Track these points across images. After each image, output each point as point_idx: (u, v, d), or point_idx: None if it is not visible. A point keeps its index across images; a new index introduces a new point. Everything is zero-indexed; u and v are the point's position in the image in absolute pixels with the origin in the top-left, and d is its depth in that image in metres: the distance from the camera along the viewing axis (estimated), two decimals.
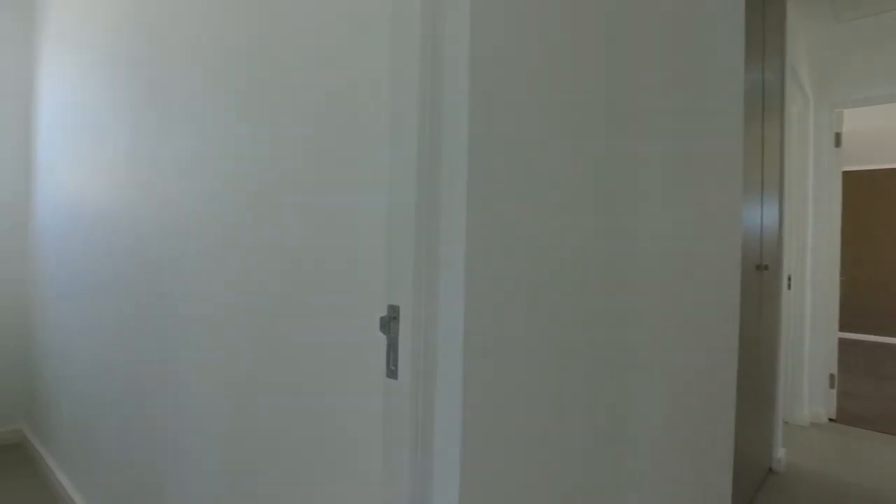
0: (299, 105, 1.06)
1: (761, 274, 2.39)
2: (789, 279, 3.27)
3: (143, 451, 1.65)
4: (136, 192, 1.75)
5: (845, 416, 3.67)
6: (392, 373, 0.74)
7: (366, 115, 0.91)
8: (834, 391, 3.63)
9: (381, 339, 0.81)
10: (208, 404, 1.33)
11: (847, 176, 7.14)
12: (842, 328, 7.13)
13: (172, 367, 1.50)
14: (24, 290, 2.97)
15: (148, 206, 1.67)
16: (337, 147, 0.97)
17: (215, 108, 1.34)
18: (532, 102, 0.77)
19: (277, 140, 1.11)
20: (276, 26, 1.13)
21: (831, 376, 3.60)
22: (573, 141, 0.85)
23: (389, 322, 0.74)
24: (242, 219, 1.21)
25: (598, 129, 0.91)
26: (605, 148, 0.93)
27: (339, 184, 0.96)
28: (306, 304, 1.02)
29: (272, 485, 1.10)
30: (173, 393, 1.49)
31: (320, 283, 0.99)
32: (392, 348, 0.74)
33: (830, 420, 3.60)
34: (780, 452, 2.79)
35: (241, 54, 1.24)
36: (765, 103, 2.48)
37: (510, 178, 0.74)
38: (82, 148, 2.26)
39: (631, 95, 1.00)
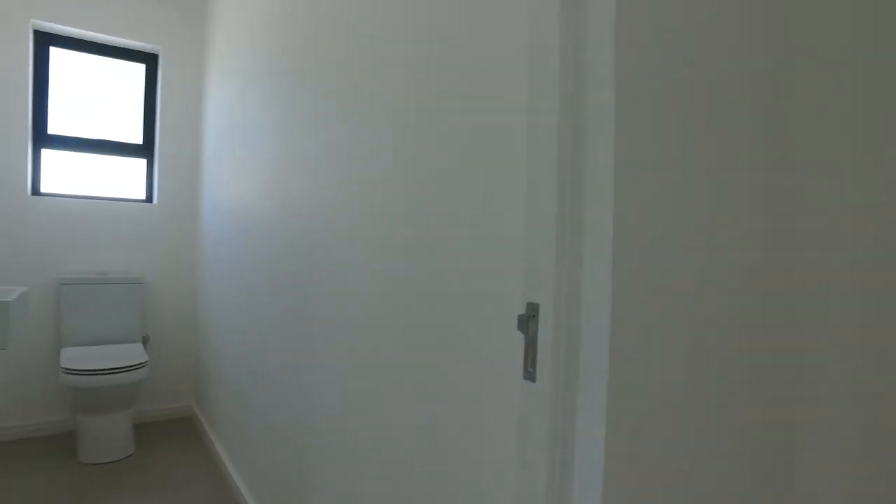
0: (435, 105, 1.04)
1: None
2: None
3: (288, 431, 1.76)
4: (282, 190, 1.87)
5: None
6: (529, 374, 0.69)
7: (503, 106, 0.86)
8: None
9: (519, 338, 0.76)
10: (349, 392, 1.37)
11: None
12: None
13: (317, 355, 1.57)
14: (194, 284, 3.33)
15: (293, 204, 1.77)
16: (472, 136, 0.94)
17: (354, 112, 1.37)
18: (691, 75, 0.68)
19: (416, 138, 1.11)
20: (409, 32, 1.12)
21: None
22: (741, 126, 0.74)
23: (528, 321, 0.69)
24: (383, 211, 1.23)
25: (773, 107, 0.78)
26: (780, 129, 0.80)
27: (476, 175, 0.93)
28: (444, 300, 1.00)
29: (412, 475, 1.10)
30: (317, 381, 1.56)
31: (458, 276, 0.96)
32: (530, 348, 0.69)
33: None
34: None
35: (375, 59, 1.26)
36: None
37: (666, 161, 0.66)
38: (238, 156, 2.47)
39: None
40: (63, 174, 3.10)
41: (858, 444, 0.84)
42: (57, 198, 3.01)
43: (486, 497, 0.88)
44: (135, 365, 2.59)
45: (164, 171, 3.26)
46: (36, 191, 3.00)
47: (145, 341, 3.11)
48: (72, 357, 2.64)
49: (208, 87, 3.15)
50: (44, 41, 3.00)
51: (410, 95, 1.12)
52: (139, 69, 3.26)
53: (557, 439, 0.66)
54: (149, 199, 3.30)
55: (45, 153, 3.04)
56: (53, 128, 3.05)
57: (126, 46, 3.19)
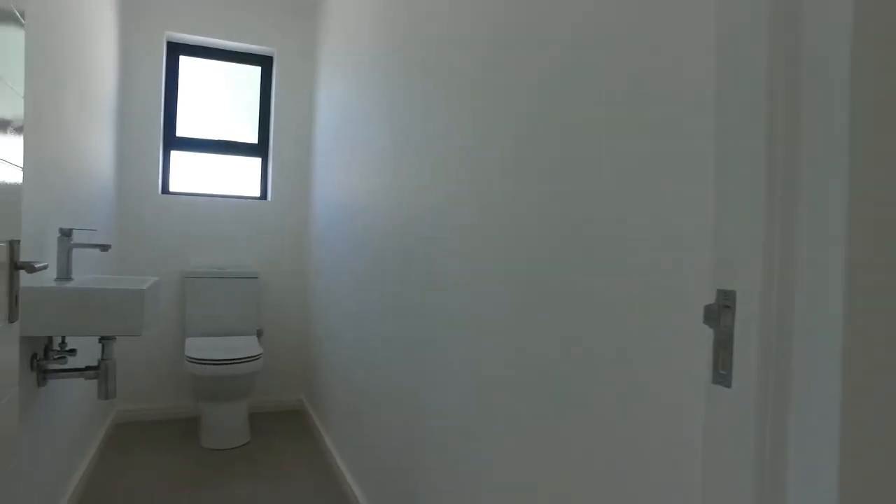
0: (574, 88, 0.93)
1: None
2: None
3: (398, 432, 1.70)
4: (396, 186, 1.82)
5: None
6: (721, 378, 0.56)
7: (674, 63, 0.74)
8: None
9: (704, 334, 0.63)
10: (471, 394, 1.29)
11: None
12: None
13: (437, 362, 1.51)
14: (304, 280, 3.41)
15: (408, 200, 1.72)
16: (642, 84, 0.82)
17: (478, 102, 1.29)
18: None
19: (549, 127, 1.00)
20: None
21: None
22: None
23: (719, 311, 0.57)
24: (514, 210, 1.13)
25: None
26: None
27: (646, 131, 0.81)
28: (605, 290, 0.89)
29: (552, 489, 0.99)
30: (431, 382, 1.50)
31: (622, 262, 0.85)
32: (722, 346, 0.56)
33: None
34: None
35: (502, 54, 1.16)
36: None
37: None
38: (349, 153, 2.47)
39: None
40: (187, 174, 3.29)
41: None
42: (183, 196, 3.19)
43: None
44: (251, 357, 2.68)
45: (277, 170, 3.37)
46: (165, 189, 3.21)
47: (259, 334, 3.23)
48: (195, 347, 2.77)
49: (320, 87, 3.21)
50: (174, 51, 3.20)
51: (544, 79, 1.02)
52: (255, 72, 3.39)
53: (762, 461, 0.53)
54: (263, 196, 3.42)
55: (174, 154, 3.24)
56: (181, 131, 3.24)
57: (243, 51, 3.33)
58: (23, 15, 1.11)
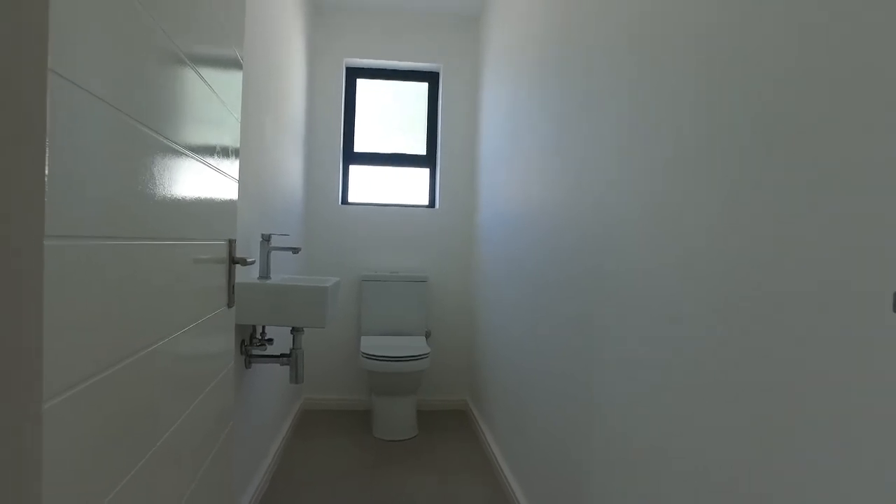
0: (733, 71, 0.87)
1: None
2: None
3: (564, 435, 1.69)
4: (559, 188, 1.83)
5: None
6: None
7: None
8: None
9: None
10: (636, 401, 1.25)
11: None
12: None
13: (604, 363, 1.48)
14: (470, 284, 3.54)
15: (570, 202, 1.72)
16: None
17: (652, 98, 1.25)
18: None
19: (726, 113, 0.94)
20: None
21: None
22: None
23: None
24: (655, 188, 1.09)
25: None
26: None
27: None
28: (782, 286, 0.82)
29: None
30: (598, 384, 1.47)
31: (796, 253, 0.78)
32: None
33: None
34: None
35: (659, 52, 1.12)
36: None
37: None
38: (511, 159, 2.52)
39: None
40: (363, 185, 3.60)
41: None
42: (359, 206, 3.50)
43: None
44: (419, 355, 2.84)
45: (444, 179, 3.54)
46: (344, 200, 3.54)
47: (427, 335, 3.40)
48: (369, 344, 3.01)
49: (483, 98, 3.32)
50: (352, 74, 3.54)
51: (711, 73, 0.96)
52: (423, 87, 3.61)
53: None
54: (431, 204, 3.62)
55: (352, 168, 3.56)
56: (358, 146, 3.56)
57: (411, 69, 3.57)
58: (242, 59, 1.33)
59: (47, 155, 0.50)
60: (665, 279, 1.11)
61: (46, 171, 0.50)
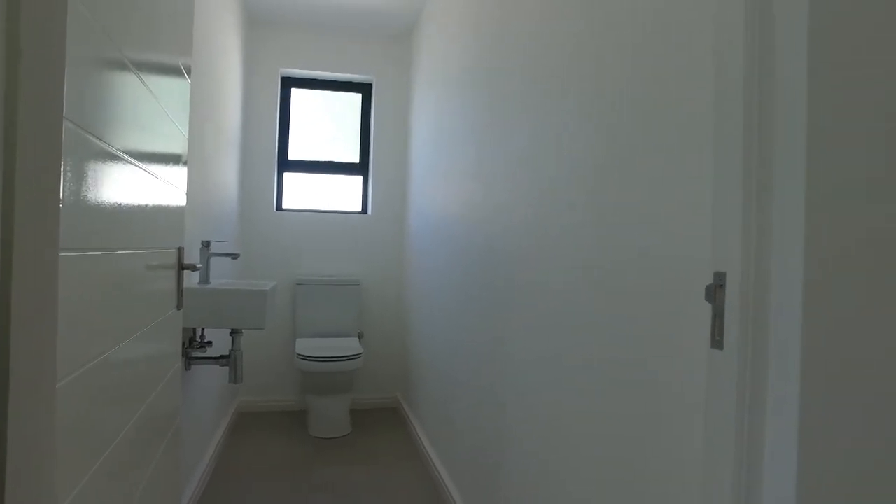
0: (625, 109, 1.10)
1: None
2: None
3: (485, 425, 1.90)
4: (481, 196, 2.04)
5: None
6: (717, 343, 0.72)
7: (688, 102, 0.90)
8: None
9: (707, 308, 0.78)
10: (542, 384, 1.46)
11: None
12: None
13: (510, 361, 1.69)
14: (401, 287, 3.71)
15: (491, 211, 1.93)
16: (658, 115, 0.98)
17: (547, 116, 1.48)
18: None
19: (606, 136, 1.17)
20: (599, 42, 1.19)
21: None
22: None
23: (715, 290, 0.72)
24: (573, 203, 1.31)
25: None
26: None
27: (665, 158, 0.97)
28: (634, 282, 1.05)
29: (594, 457, 1.15)
30: (511, 374, 1.68)
31: (646, 258, 1.01)
32: (718, 317, 0.72)
33: None
34: None
35: (566, 78, 1.35)
36: None
37: (868, 119, 0.64)
38: (440, 169, 2.73)
39: None
40: (298, 192, 3.71)
41: None
42: (293, 212, 3.60)
43: (682, 462, 0.90)
44: (352, 355, 2.98)
45: (377, 186, 3.70)
46: (279, 207, 3.63)
47: (360, 336, 3.55)
48: (304, 346, 3.12)
49: (414, 111, 3.52)
50: (287, 84, 3.64)
51: (603, 102, 1.19)
52: (356, 98, 3.76)
53: (745, 407, 0.68)
54: (364, 210, 3.77)
55: (286, 175, 3.66)
56: (292, 154, 3.67)
57: (346, 80, 3.71)
58: (189, 71, 1.45)
59: None
60: (557, 282, 1.34)
61: None
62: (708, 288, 0.73)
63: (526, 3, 1.64)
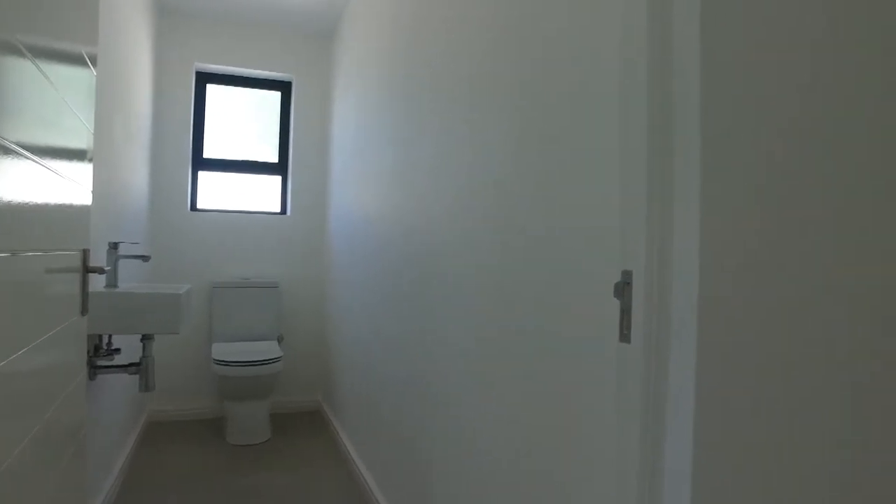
0: (538, 113, 1.15)
1: None
2: None
3: (408, 425, 1.91)
4: (401, 196, 2.05)
5: None
6: (625, 337, 0.77)
7: (598, 110, 0.95)
8: None
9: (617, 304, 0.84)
10: (461, 382, 1.50)
11: None
12: None
13: (432, 356, 1.72)
14: (322, 289, 3.66)
15: (410, 211, 1.95)
16: (570, 123, 1.03)
17: (458, 128, 1.51)
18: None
19: (517, 138, 1.22)
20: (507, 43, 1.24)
21: None
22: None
23: (623, 287, 0.77)
24: (488, 206, 1.35)
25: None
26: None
27: (576, 161, 1.02)
28: (547, 280, 1.10)
29: (513, 449, 1.19)
30: (432, 370, 1.71)
31: (559, 257, 1.06)
32: (626, 313, 0.77)
33: None
34: None
35: (484, 84, 1.39)
36: None
37: (754, 138, 0.72)
38: (360, 169, 2.72)
39: None
40: (214, 192, 3.57)
41: None
42: (209, 212, 3.46)
43: (596, 450, 0.96)
44: (272, 359, 2.91)
45: (296, 187, 3.63)
46: (193, 207, 3.48)
47: (280, 340, 3.46)
48: (221, 351, 3.01)
49: (335, 109, 3.47)
50: (202, 80, 3.49)
51: (515, 106, 1.24)
52: (276, 96, 3.67)
53: (650, 395, 0.74)
54: (283, 211, 3.68)
55: (201, 174, 3.51)
56: (207, 152, 3.52)
57: (264, 77, 3.61)
58: (94, 61, 1.36)
59: None
60: (476, 280, 1.38)
61: None
62: (617, 285, 0.79)
63: (438, 10, 1.67)
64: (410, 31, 2.00)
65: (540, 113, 1.14)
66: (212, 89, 3.54)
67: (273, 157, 3.68)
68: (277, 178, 3.69)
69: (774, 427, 0.73)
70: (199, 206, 3.52)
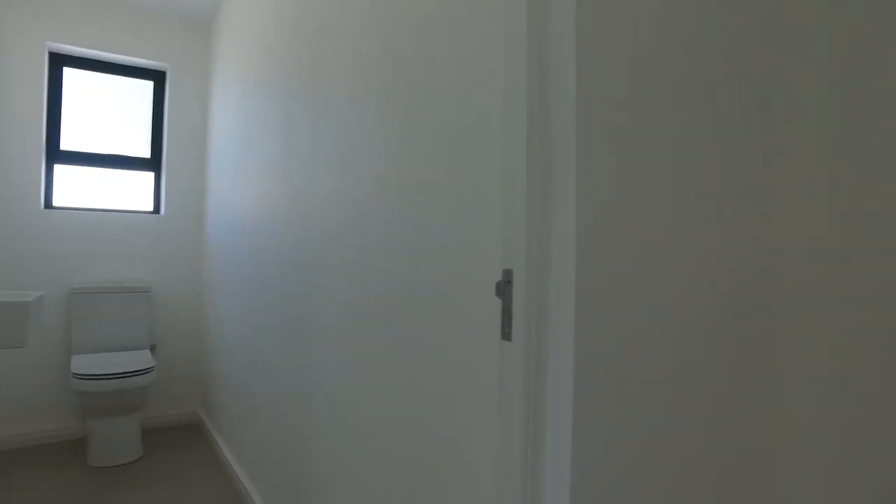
0: (421, 114, 1.14)
1: None
2: None
3: (290, 433, 1.84)
4: (280, 190, 1.97)
5: None
6: (506, 335, 0.78)
7: (480, 108, 0.96)
8: None
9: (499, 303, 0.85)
10: (341, 382, 1.46)
11: None
12: None
13: (315, 351, 1.66)
14: (200, 292, 3.42)
15: (289, 208, 1.87)
16: (457, 127, 1.03)
17: (345, 122, 1.48)
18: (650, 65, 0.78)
19: (403, 139, 1.21)
20: (398, 48, 1.23)
21: None
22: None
23: (504, 286, 0.78)
24: (369, 200, 1.33)
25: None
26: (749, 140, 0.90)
27: (460, 163, 1.02)
28: (432, 280, 1.09)
29: (393, 449, 1.18)
30: (309, 372, 1.65)
31: (443, 257, 1.06)
32: (507, 311, 0.78)
33: None
34: None
35: (370, 77, 1.36)
36: None
37: (626, 148, 0.75)
38: (240, 166, 2.58)
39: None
40: (75, 188, 3.22)
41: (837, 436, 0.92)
42: (68, 210, 3.12)
43: (475, 446, 0.96)
44: (142, 370, 2.67)
45: (171, 184, 3.37)
46: (49, 204, 3.12)
47: (153, 348, 3.20)
48: (81, 363, 2.72)
49: (214, 102, 3.27)
50: (58, 62, 3.14)
51: (393, 97, 1.22)
52: (147, 86, 3.39)
53: (530, 392, 0.75)
54: (156, 210, 3.41)
55: (58, 168, 3.16)
56: (66, 144, 3.17)
57: (135, 65, 3.32)
58: None
59: None
60: (362, 283, 1.35)
61: None
62: (498, 284, 0.79)
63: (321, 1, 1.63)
64: (293, 23, 1.92)
65: (424, 108, 1.13)
66: (71, 74, 3.19)
67: (145, 152, 3.39)
68: (150, 175, 3.41)
69: (653, 426, 0.78)
70: (55, 203, 3.15)
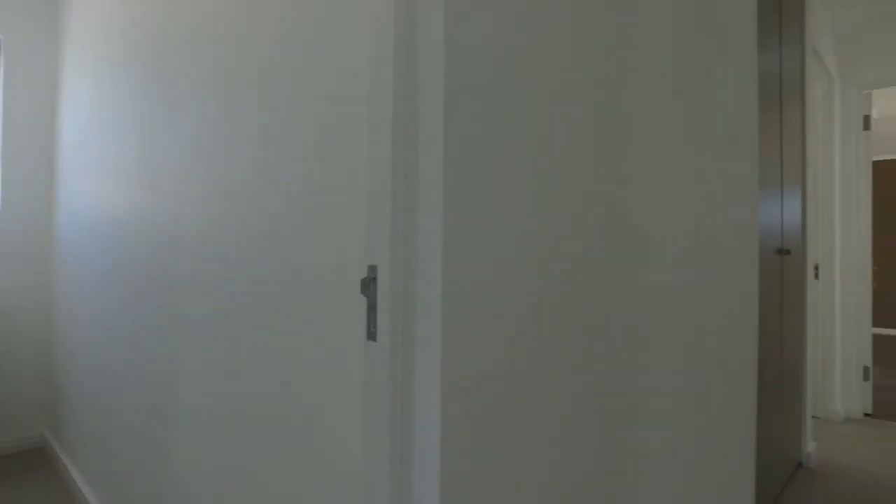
0: (286, 105, 1.04)
1: (782, 259, 2.30)
2: (816, 269, 3.15)
3: (148, 449, 1.65)
4: (141, 182, 1.77)
5: (882, 411, 3.52)
6: (372, 335, 0.71)
7: (347, 103, 0.89)
8: (869, 384, 3.48)
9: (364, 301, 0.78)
10: (203, 390, 1.32)
11: (879, 166, 6.89)
12: (874, 323, 6.87)
13: (176, 355, 1.50)
14: (49, 295, 3.03)
15: (150, 194, 1.68)
16: (323, 119, 0.95)
17: (208, 112, 1.33)
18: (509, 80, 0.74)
19: (266, 133, 1.10)
20: (266, 36, 1.12)
21: (865, 369, 3.45)
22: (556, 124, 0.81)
23: (370, 283, 0.71)
24: (229, 196, 1.20)
25: (589, 115, 0.87)
26: (601, 137, 0.89)
27: (326, 156, 0.94)
28: (292, 277, 1.00)
29: (261, 453, 1.07)
30: (172, 373, 1.49)
31: (304, 252, 0.97)
32: (372, 310, 0.71)
33: (866, 415, 3.45)
34: (811, 446, 2.67)
35: (234, 65, 1.24)
36: (783, 87, 2.40)
37: (488, 145, 0.71)
38: (97, 155, 2.30)
39: (629, 86, 0.96)
40: None
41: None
42: None
43: (344, 446, 0.89)
44: None
45: (10, 173, 2.94)
46: None
47: None
48: None
49: (64, 80, 2.89)
50: None
51: (258, 93, 1.11)
52: None
53: (398, 393, 0.69)
54: None
55: None
56: None
57: None
58: None
59: None
60: (226, 288, 1.22)
61: None
62: (363, 281, 0.72)
63: None
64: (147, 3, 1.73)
65: (291, 102, 1.03)
66: None
67: None
68: None
69: (520, 425, 0.74)
70: None
